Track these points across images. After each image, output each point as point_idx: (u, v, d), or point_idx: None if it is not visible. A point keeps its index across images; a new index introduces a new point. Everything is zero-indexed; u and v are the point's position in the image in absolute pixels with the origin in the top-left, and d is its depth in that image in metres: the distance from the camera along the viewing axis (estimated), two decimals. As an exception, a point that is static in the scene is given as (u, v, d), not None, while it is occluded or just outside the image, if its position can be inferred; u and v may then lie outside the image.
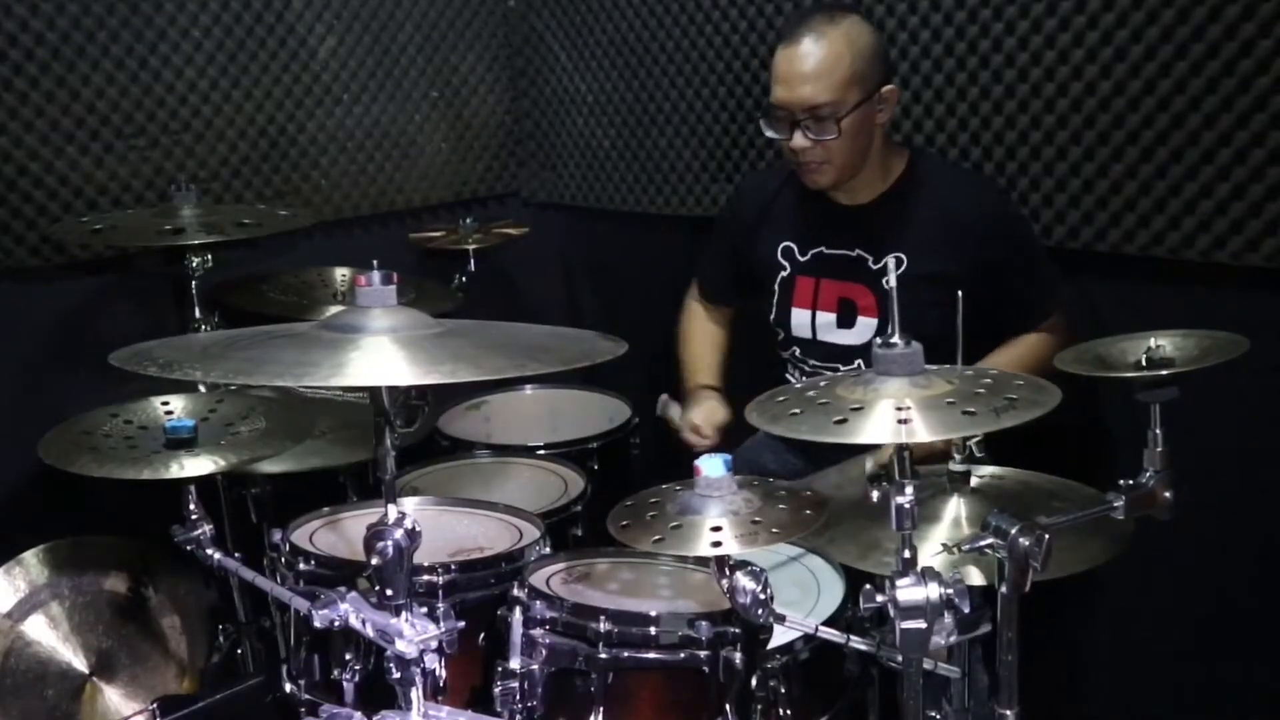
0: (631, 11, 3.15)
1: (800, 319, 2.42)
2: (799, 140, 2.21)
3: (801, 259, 2.41)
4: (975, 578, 1.63)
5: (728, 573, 1.60)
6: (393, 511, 1.59)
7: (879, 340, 1.57)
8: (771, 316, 2.46)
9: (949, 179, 2.36)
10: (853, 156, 2.24)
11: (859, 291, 2.33)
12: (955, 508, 1.78)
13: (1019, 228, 2.32)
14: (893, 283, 1.58)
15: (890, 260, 1.60)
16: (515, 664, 1.72)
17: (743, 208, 2.57)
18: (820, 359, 2.41)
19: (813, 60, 2.16)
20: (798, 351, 2.45)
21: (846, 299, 2.35)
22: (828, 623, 1.77)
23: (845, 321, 2.36)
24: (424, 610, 1.62)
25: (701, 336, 2.69)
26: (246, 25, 3.01)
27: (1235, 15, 2.06)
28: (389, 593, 1.58)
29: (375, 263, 1.64)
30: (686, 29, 3.02)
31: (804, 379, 2.44)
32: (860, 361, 2.33)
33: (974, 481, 1.82)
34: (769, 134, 2.29)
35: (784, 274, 2.43)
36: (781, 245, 2.43)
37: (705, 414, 2.47)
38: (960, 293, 1.78)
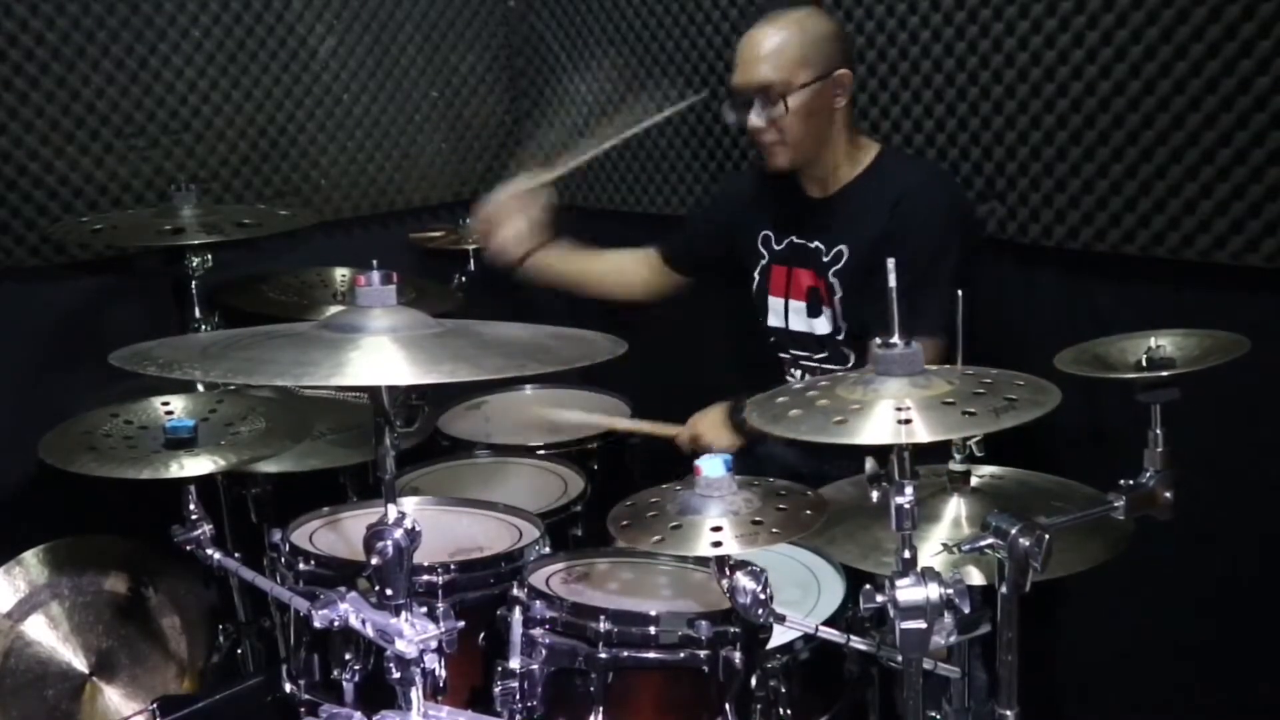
0: (631, 11, 3.15)
1: (776, 307, 2.48)
2: (752, 119, 2.30)
3: (777, 248, 2.48)
4: (975, 578, 1.63)
5: (728, 573, 1.60)
6: (392, 511, 1.59)
7: (879, 341, 1.57)
8: (754, 304, 2.53)
9: (906, 172, 2.38)
10: (805, 137, 2.30)
11: (818, 281, 2.39)
12: (955, 507, 1.78)
13: (929, 229, 2.25)
14: (893, 283, 1.57)
15: (890, 261, 1.59)
16: (515, 664, 1.72)
17: (730, 194, 2.67)
18: (796, 347, 2.47)
19: (766, 43, 2.28)
20: (774, 339, 2.51)
21: (813, 288, 2.41)
22: (828, 623, 1.77)
23: (813, 310, 2.42)
24: (424, 610, 1.61)
25: (615, 255, 2.75)
26: (246, 25, 3.02)
27: (1235, 15, 2.05)
28: (389, 593, 1.58)
29: (375, 263, 1.64)
30: (686, 29, 3.02)
31: (787, 367, 2.50)
32: (829, 351, 2.40)
33: (974, 481, 1.82)
34: (727, 119, 2.42)
35: (763, 262, 2.50)
36: (761, 234, 2.50)
37: None
38: (960, 292, 1.78)
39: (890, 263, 1.56)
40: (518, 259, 2.64)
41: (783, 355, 2.51)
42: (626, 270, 2.75)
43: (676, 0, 3.02)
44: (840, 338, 2.37)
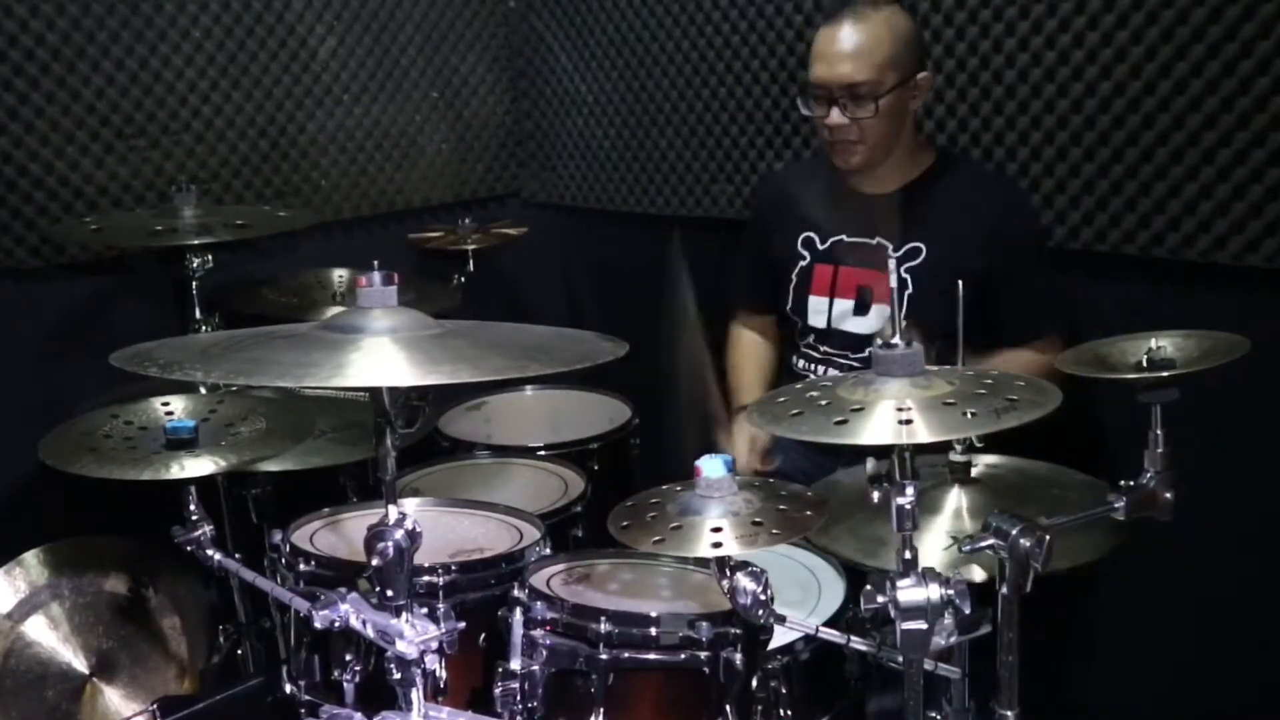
0: (631, 11, 3.15)
1: (817, 306, 2.45)
2: (835, 117, 2.27)
3: (821, 247, 2.45)
4: (977, 574, 1.63)
5: (728, 573, 1.60)
6: (393, 512, 1.59)
7: (879, 341, 1.57)
8: (789, 305, 2.50)
9: (975, 176, 2.40)
10: (884, 138, 2.29)
11: (876, 278, 2.37)
12: (956, 499, 1.79)
13: (1033, 239, 2.35)
14: (893, 283, 1.58)
15: (891, 261, 1.59)
16: (515, 665, 1.72)
17: (762, 206, 2.66)
18: (834, 346, 2.45)
19: (854, 40, 2.23)
20: (812, 339, 2.49)
21: (864, 286, 2.39)
22: (828, 623, 1.77)
23: (861, 309, 2.40)
24: (424, 611, 1.61)
25: (750, 362, 2.66)
26: (246, 25, 3.02)
27: (1235, 16, 2.06)
28: (389, 593, 1.58)
29: (375, 263, 1.64)
30: (686, 29, 3.03)
31: (815, 367, 2.48)
32: (871, 350, 2.34)
33: (974, 472, 1.83)
34: (805, 112, 2.36)
35: (803, 264, 2.47)
36: (802, 236, 2.47)
37: (747, 445, 2.47)
38: (960, 287, 1.78)
39: (892, 262, 1.57)
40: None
41: (813, 356, 2.48)
42: (763, 353, 2.67)
43: (676, 0, 3.02)
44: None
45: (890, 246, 2.33)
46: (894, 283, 1.59)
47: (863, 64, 2.22)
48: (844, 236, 2.41)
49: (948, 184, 2.34)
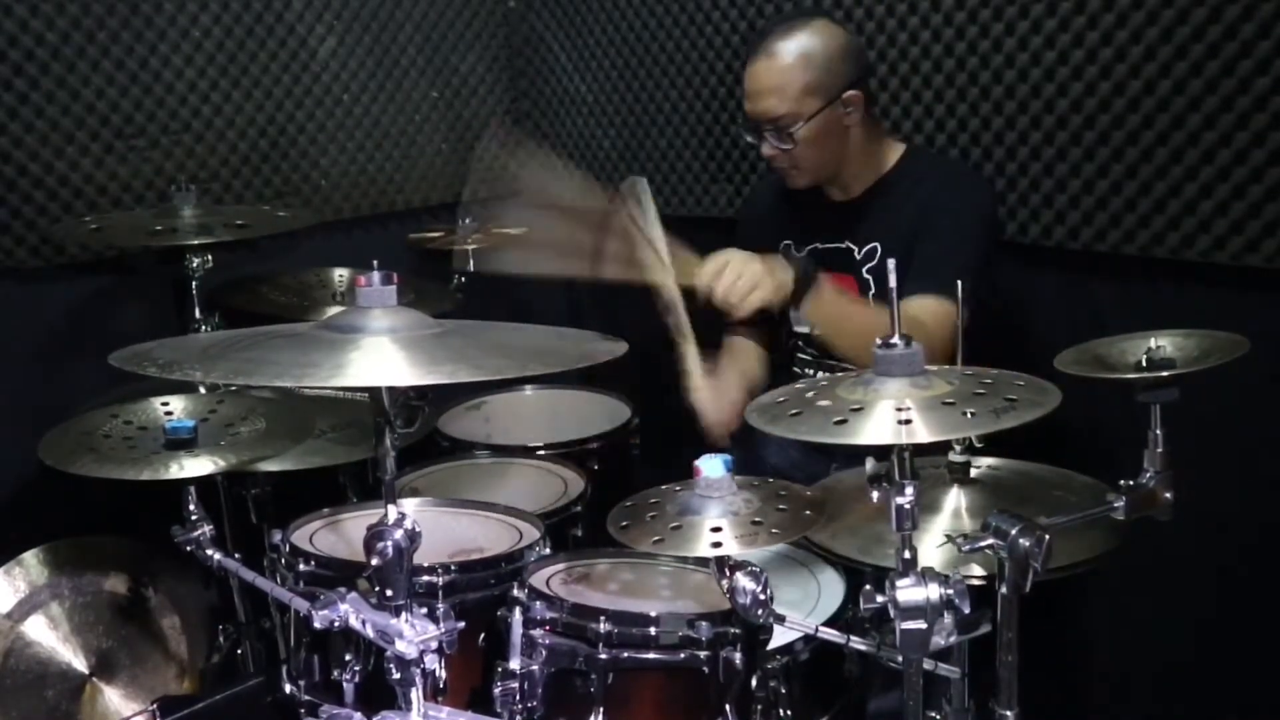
0: (631, 11, 3.15)
1: (798, 314, 2.43)
2: (766, 149, 2.32)
3: (798, 255, 2.44)
4: (976, 572, 1.64)
5: (728, 573, 1.60)
6: (393, 512, 1.59)
7: (879, 341, 1.57)
8: (776, 313, 2.48)
9: (937, 172, 2.39)
10: (820, 159, 2.32)
11: (848, 283, 2.38)
12: (955, 499, 1.79)
13: (950, 208, 2.27)
14: (893, 282, 1.58)
15: (891, 261, 1.59)
16: (515, 664, 1.72)
17: (750, 212, 2.68)
18: (820, 350, 2.45)
19: (767, 76, 2.26)
20: (799, 343, 2.50)
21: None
22: (828, 623, 1.77)
23: None
24: (424, 611, 1.61)
25: (734, 366, 2.54)
26: (246, 25, 3.02)
27: (1235, 16, 2.06)
28: (389, 593, 1.58)
29: (375, 263, 1.64)
30: (686, 29, 3.03)
31: (806, 369, 2.49)
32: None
33: (974, 472, 1.83)
34: (744, 140, 2.41)
35: None
36: (782, 244, 2.47)
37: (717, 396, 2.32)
38: (961, 291, 1.78)
39: (891, 263, 1.56)
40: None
41: (806, 360, 2.49)
42: (753, 364, 2.58)
43: (676, 0, 3.02)
44: None
45: (855, 249, 2.36)
46: (894, 282, 1.58)
47: (774, 99, 2.24)
48: (818, 244, 2.43)
49: (907, 180, 2.35)
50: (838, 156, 2.33)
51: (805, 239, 2.45)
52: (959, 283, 1.81)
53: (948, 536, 1.66)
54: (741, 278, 2.10)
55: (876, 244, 2.34)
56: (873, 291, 2.33)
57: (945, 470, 1.82)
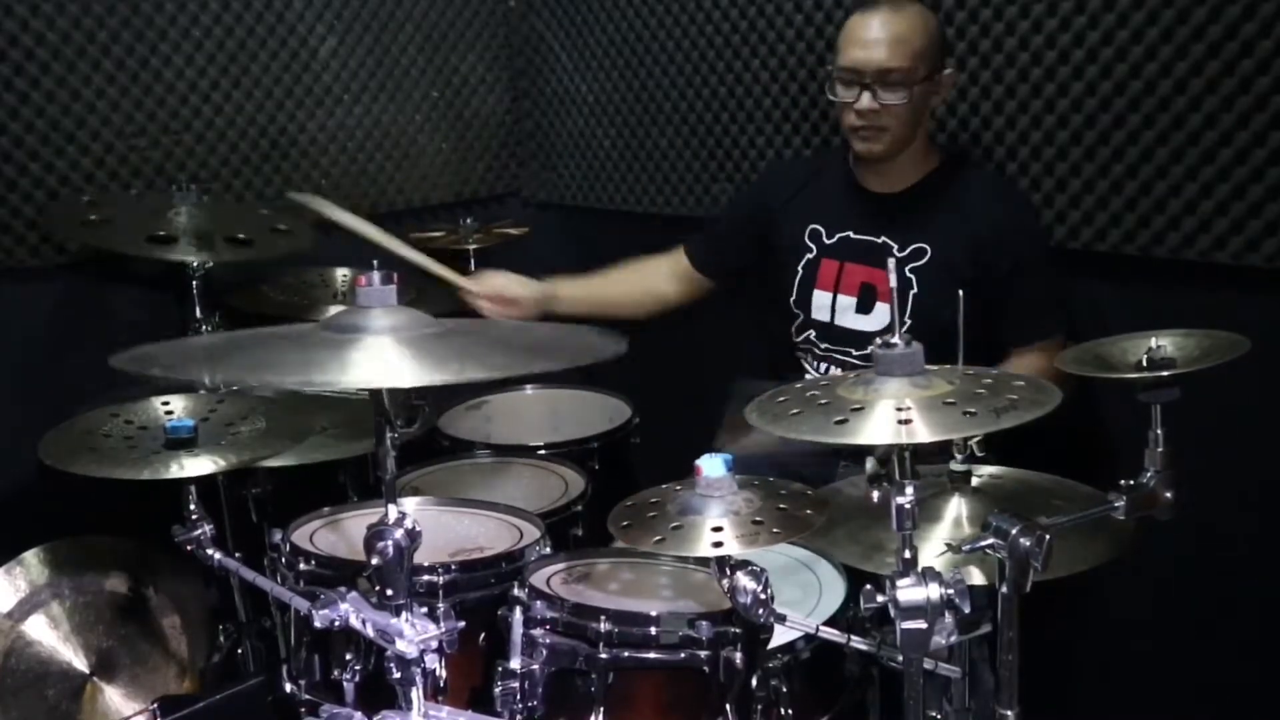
0: (631, 11, 3.15)
1: (821, 301, 2.45)
2: (866, 101, 2.26)
3: (828, 242, 2.45)
4: (976, 578, 1.63)
5: (728, 573, 1.60)
6: (393, 511, 1.59)
7: (879, 340, 1.57)
8: (792, 298, 2.50)
9: (981, 179, 2.40)
10: (908, 128, 2.30)
11: (880, 277, 2.37)
12: (956, 507, 1.79)
13: (1038, 242, 2.35)
14: (894, 283, 1.58)
15: (891, 261, 1.60)
16: (515, 664, 1.72)
17: (772, 189, 2.61)
18: (835, 343, 2.45)
19: (891, 26, 2.24)
20: (813, 334, 2.49)
21: (868, 283, 2.39)
22: (828, 623, 1.77)
23: (864, 307, 2.40)
24: (424, 610, 1.61)
25: (631, 269, 2.75)
26: (247, 25, 3.02)
27: (1236, 15, 2.06)
28: (389, 593, 1.58)
29: (375, 263, 1.64)
30: (687, 29, 3.03)
31: (818, 364, 2.49)
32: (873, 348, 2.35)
33: (974, 481, 1.82)
34: (832, 97, 2.34)
35: (809, 256, 2.47)
36: (809, 228, 2.47)
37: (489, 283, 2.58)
38: (961, 292, 1.78)
39: (891, 263, 1.57)
40: (534, 313, 2.58)
41: (813, 351, 2.49)
42: (650, 282, 2.72)
43: (677, 0, 3.02)
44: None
45: (895, 246, 2.34)
46: (894, 282, 1.59)
47: (898, 50, 2.23)
48: (850, 233, 2.41)
49: (953, 186, 2.35)
50: (914, 132, 2.32)
51: (837, 226, 2.43)
52: (960, 293, 1.80)
53: (948, 545, 1.66)
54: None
55: (925, 245, 2.30)
56: (914, 291, 2.30)
57: (946, 479, 1.81)
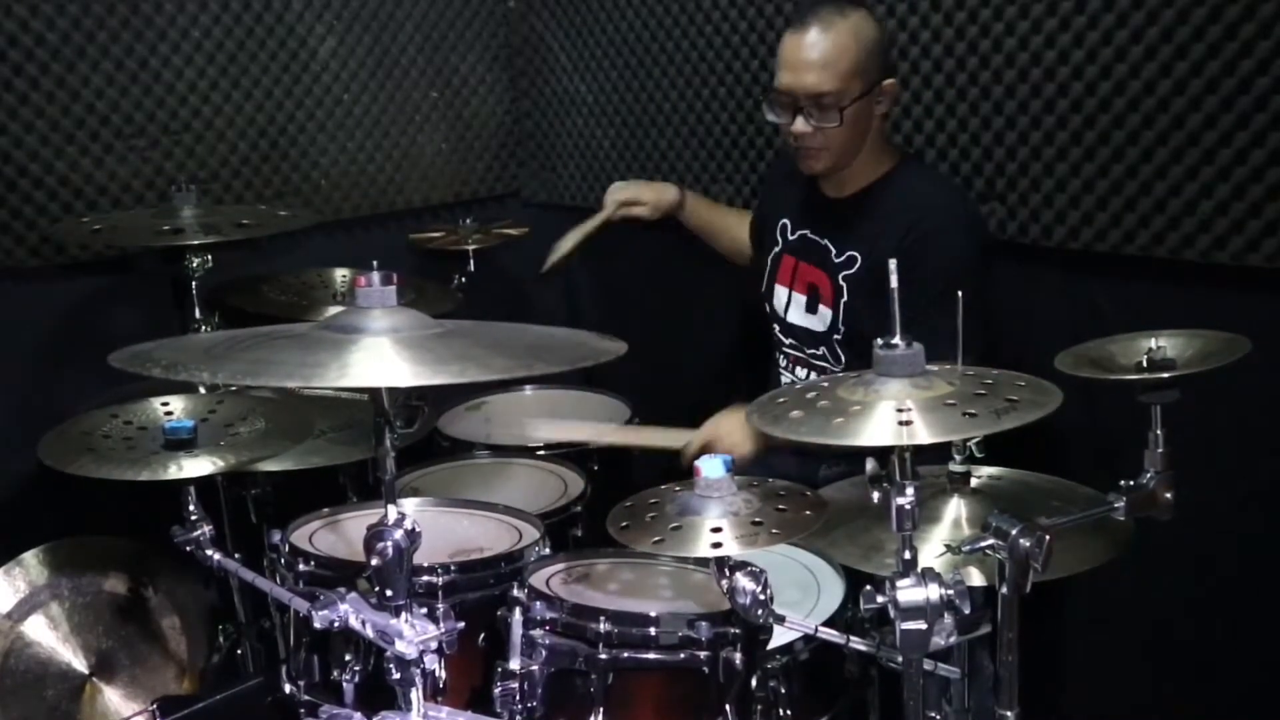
0: (631, 11, 3.15)
1: (780, 296, 2.50)
2: (800, 125, 2.27)
3: (790, 238, 2.49)
4: (976, 578, 1.63)
5: (728, 573, 1.60)
6: (392, 512, 1.59)
7: (880, 341, 1.56)
8: (762, 287, 2.55)
9: (926, 187, 2.36)
10: (849, 145, 2.30)
11: (822, 279, 2.39)
12: (955, 508, 1.78)
13: (944, 259, 2.20)
14: (894, 283, 1.57)
15: (892, 262, 1.59)
16: (515, 665, 1.72)
17: (770, 178, 2.71)
18: (793, 339, 2.48)
19: (819, 49, 2.22)
20: (777, 329, 2.52)
21: (813, 284, 2.41)
22: (828, 623, 1.77)
23: (811, 306, 2.43)
24: (424, 611, 1.61)
25: (743, 214, 2.80)
26: (246, 25, 3.02)
27: (1235, 16, 2.05)
28: (389, 593, 1.58)
29: (375, 263, 1.64)
30: (686, 29, 3.02)
31: (793, 368, 2.50)
32: (824, 349, 2.41)
33: (974, 482, 1.82)
34: (770, 118, 2.34)
35: (776, 250, 2.52)
36: (781, 222, 2.51)
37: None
38: (960, 292, 1.78)
39: (892, 263, 1.56)
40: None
41: (783, 346, 2.51)
42: (745, 239, 2.76)
43: (677, 0, 3.02)
44: (837, 338, 2.37)
45: (833, 251, 2.36)
46: (894, 283, 1.57)
47: (828, 74, 2.20)
48: (808, 232, 2.45)
49: (894, 192, 2.33)
50: (860, 146, 2.31)
51: (800, 224, 2.47)
52: (959, 295, 1.73)
53: (947, 546, 1.66)
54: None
55: (856, 254, 2.31)
56: (844, 299, 2.33)
57: (945, 480, 1.81)
